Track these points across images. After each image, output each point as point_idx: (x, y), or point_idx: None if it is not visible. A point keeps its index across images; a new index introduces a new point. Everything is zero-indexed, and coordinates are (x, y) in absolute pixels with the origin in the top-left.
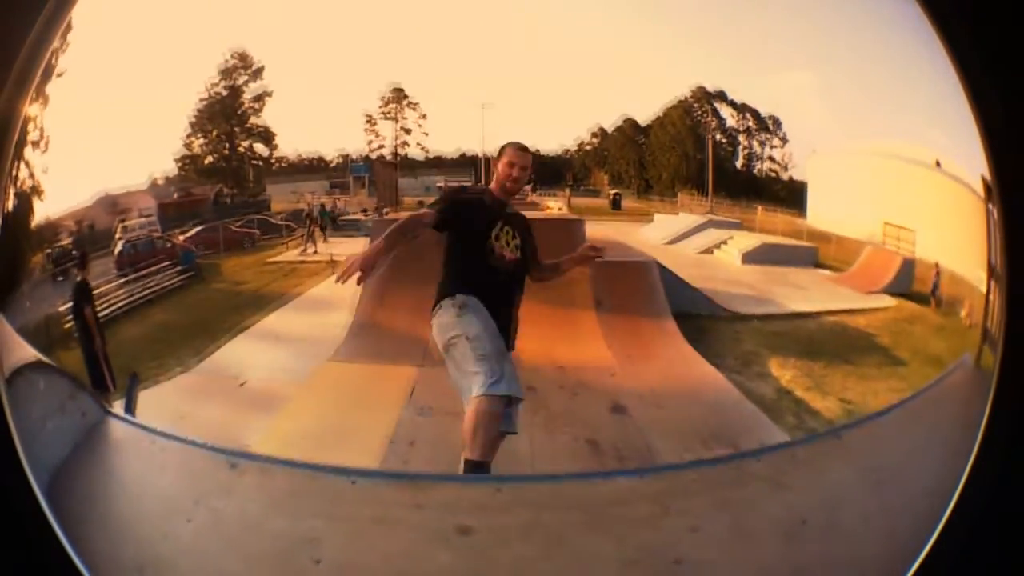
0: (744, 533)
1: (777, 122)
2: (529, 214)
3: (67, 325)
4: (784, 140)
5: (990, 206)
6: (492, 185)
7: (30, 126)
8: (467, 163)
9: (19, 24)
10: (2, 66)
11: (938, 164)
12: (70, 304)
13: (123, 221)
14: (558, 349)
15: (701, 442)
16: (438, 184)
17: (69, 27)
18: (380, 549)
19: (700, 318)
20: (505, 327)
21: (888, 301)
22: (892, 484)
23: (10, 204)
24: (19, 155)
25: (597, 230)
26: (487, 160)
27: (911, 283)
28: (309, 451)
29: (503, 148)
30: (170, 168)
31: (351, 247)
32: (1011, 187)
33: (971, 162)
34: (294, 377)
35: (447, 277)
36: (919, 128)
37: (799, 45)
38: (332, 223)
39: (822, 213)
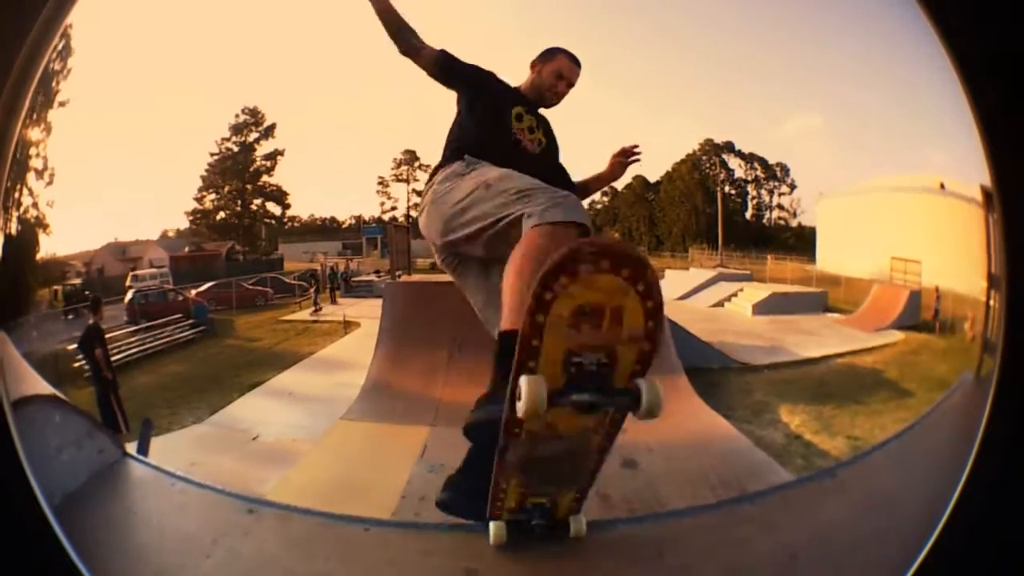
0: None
1: (785, 169)
2: None
3: (76, 364)
4: (792, 187)
5: (991, 216)
6: (522, 85)
7: (33, 151)
8: None
9: (9, 40)
10: None
11: (942, 186)
12: (82, 345)
13: (134, 270)
14: None
15: (710, 489)
16: None
17: (70, 50)
18: None
19: (711, 372)
20: None
21: (895, 336)
22: (886, 510)
23: (13, 227)
24: (20, 178)
25: None
26: None
27: (918, 314)
28: (321, 504)
29: (553, 53)
30: (181, 221)
31: (363, 309)
32: (1012, 195)
33: (972, 175)
34: (306, 434)
35: (450, 153)
36: (922, 151)
37: (802, 89)
38: (345, 284)
39: (831, 256)
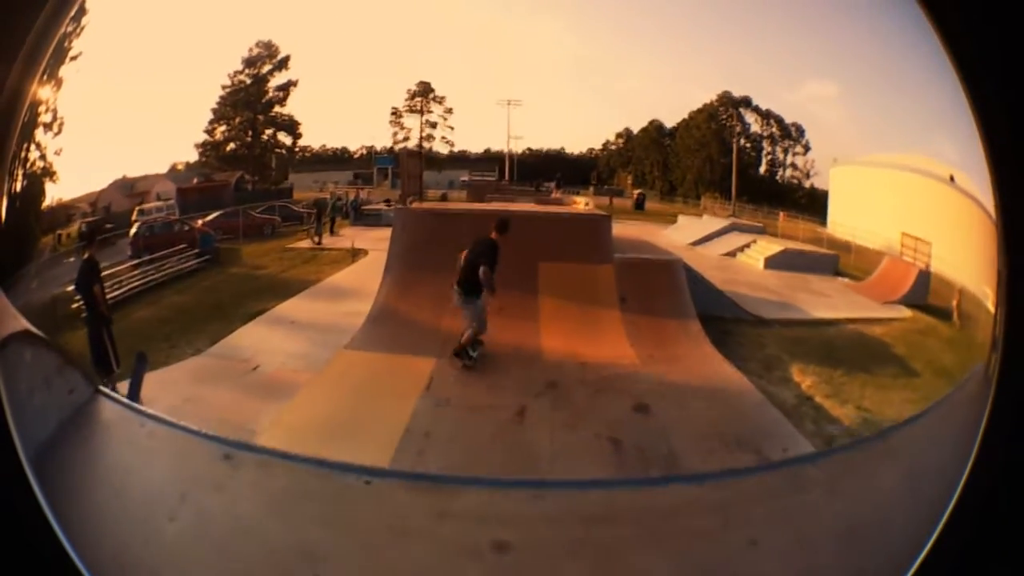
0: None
1: (800, 130)
2: (556, 209)
3: (74, 305)
4: (807, 148)
5: (993, 217)
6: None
7: (42, 108)
8: (492, 159)
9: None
10: (10, 46)
11: (952, 179)
12: (78, 284)
13: (141, 204)
14: (581, 345)
15: (724, 446)
16: (462, 179)
17: (84, 10)
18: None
19: (724, 321)
20: None
21: (904, 312)
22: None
23: (19, 185)
24: (29, 136)
25: (622, 229)
26: (512, 157)
27: (927, 295)
28: (319, 440)
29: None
30: (191, 154)
31: (372, 237)
32: (1012, 199)
33: (980, 177)
34: (308, 364)
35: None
36: (934, 143)
37: (822, 55)
38: (355, 212)
39: (842, 222)
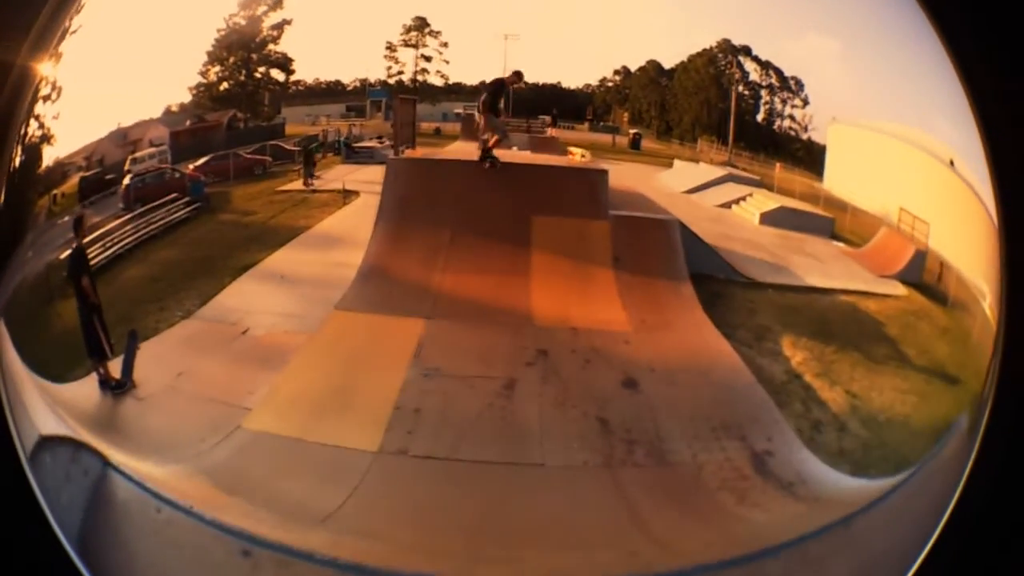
0: None
1: (800, 83)
2: (553, 160)
3: (65, 273)
4: (805, 102)
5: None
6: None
7: (48, 81)
8: None
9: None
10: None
11: (952, 164)
12: (69, 274)
13: (133, 153)
14: (573, 309)
15: (710, 431)
16: (456, 111)
17: None
18: None
19: (716, 282)
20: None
21: (900, 289)
22: None
23: (18, 161)
24: (33, 112)
25: (617, 175)
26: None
27: (921, 274)
28: (311, 420)
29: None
30: (184, 96)
31: (364, 176)
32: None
33: (977, 167)
34: (298, 324)
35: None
36: (934, 125)
37: (826, 11)
38: (347, 150)
39: (839, 181)
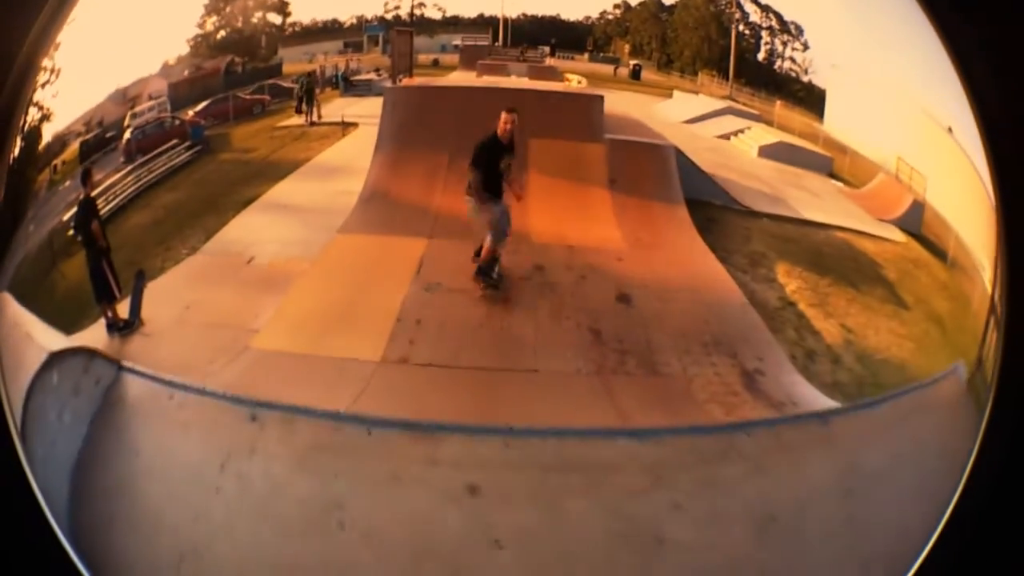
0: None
1: (800, 28)
2: (548, 86)
3: (69, 233)
4: (805, 46)
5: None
6: (499, 132)
7: (49, 65)
8: (485, 23)
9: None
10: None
11: (950, 130)
12: (77, 223)
13: (133, 108)
14: (569, 228)
15: (701, 346)
16: (455, 43)
17: None
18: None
19: (712, 208)
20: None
21: (898, 235)
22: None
23: (18, 147)
24: (32, 97)
25: (615, 104)
26: (506, 21)
27: (919, 224)
28: (316, 335)
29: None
30: (183, 50)
31: (362, 108)
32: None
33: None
34: (302, 250)
35: (476, 183)
36: (934, 89)
37: None
38: (345, 83)
39: (839, 123)
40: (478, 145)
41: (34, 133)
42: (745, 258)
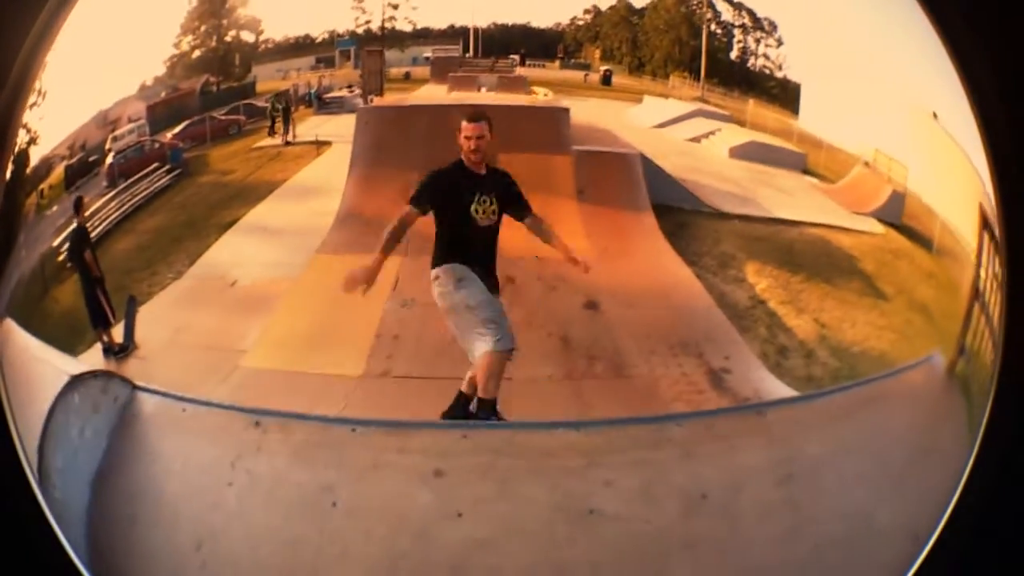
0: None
1: (773, 24)
2: (515, 100)
3: (59, 258)
4: (779, 42)
5: (989, 192)
6: (462, 156)
7: (39, 86)
8: (456, 34)
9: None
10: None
11: (935, 116)
12: (71, 253)
13: (113, 131)
14: (538, 239)
15: (668, 348)
16: (426, 55)
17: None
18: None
19: (681, 212)
20: (493, 282)
21: (876, 227)
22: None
23: (8, 172)
24: (21, 118)
25: (584, 111)
26: (476, 31)
27: (900, 214)
28: (301, 354)
29: (461, 123)
30: (159, 70)
31: (336, 127)
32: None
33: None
34: (283, 271)
35: (440, 245)
36: (915, 82)
37: None
38: (318, 102)
39: (814, 118)
40: (428, 178)
41: (23, 156)
42: (714, 260)
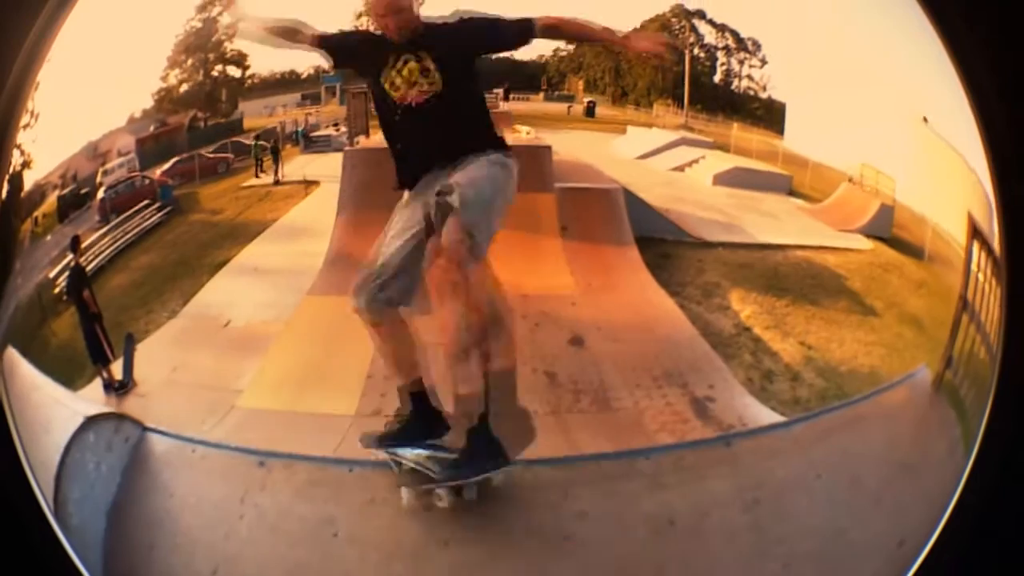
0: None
1: (757, 44)
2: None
3: (55, 290)
4: (763, 62)
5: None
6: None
7: (32, 107)
8: None
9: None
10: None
11: (925, 120)
12: (69, 291)
13: (103, 165)
14: (524, 277)
15: (652, 379)
16: None
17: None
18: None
19: (665, 243)
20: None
21: (863, 243)
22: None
23: (3, 192)
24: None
25: (567, 145)
26: None
27: (890, 228)
28: (295, 394)
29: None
30: (147, 103)
31: (323, 166)
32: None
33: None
34: (274, 312)
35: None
36: (907, 86)
37: None
38: (305, 140)
39: (800, 137)
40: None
41: (17, 179)
42: (698, 290)
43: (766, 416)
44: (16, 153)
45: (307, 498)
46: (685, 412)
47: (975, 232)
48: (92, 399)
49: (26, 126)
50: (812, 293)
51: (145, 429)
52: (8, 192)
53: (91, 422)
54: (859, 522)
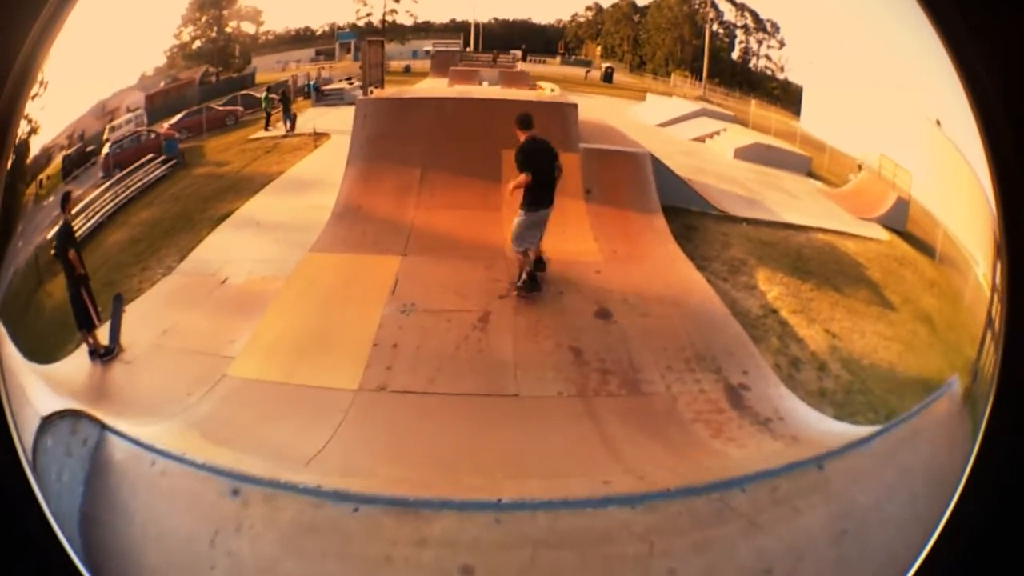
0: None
1: (776, 26)
2: (521, 95)
3: (52, 252)
4: (782, 44)
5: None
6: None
7: (41, 78)
8: (457, 28)
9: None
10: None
11: (938, 123)
12: (57, 251)
13: (111, 121)
14: (545, 241)
15: (684, 362)
16: (426, 49)
17: None
18: None
19: (689, 214)
20: None
21: (881, 233)
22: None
23: (10, 162)
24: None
25: (589, 108)
26: (477, 26)
27: (905, 221)
28: (292, 363)
29: None
30: (159, 61)
31: (334, 118)
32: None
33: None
34: (275, 268)
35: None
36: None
37: None
38: (317, 93)
39: (817, 120)
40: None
41: (24, 146)
42: (724, 265)
43: (803, 411)
44: (23, 123)
45: (296, 550)
46: (720, 401)
47: (994, 246)
48: (53, 391)
49: (35, 96)
50: (835, 279)
51: (104, 428)
52: (15, 161)
53: (47, 424)
54: (911, 546)
